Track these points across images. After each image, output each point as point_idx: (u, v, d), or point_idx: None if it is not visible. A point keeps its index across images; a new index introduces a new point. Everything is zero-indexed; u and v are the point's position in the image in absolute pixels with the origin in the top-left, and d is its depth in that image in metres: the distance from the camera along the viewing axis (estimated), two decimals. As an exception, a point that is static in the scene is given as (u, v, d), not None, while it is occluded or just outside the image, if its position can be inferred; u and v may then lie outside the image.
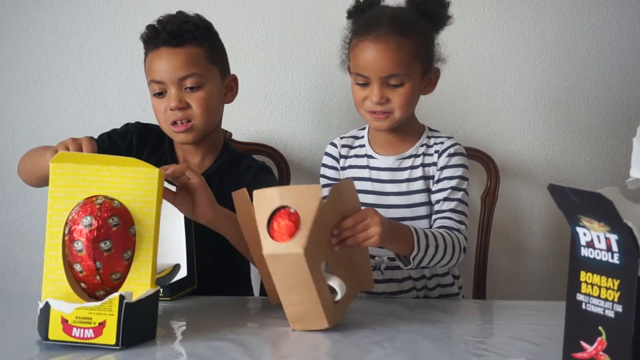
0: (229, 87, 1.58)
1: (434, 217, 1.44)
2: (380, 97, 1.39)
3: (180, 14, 1.53)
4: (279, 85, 1.95)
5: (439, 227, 1.40)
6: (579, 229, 0.88)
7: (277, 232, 1.10)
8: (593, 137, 1.99)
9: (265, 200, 1.13)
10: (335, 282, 1.16)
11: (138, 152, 1.57)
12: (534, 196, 1.99)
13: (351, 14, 1.48)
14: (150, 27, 1.51)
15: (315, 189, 1.13)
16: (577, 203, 0.86)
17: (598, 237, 0.86)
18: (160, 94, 1.49)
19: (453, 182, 1.44)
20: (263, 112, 1.96)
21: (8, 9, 1.93)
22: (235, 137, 1.86)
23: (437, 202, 1.44)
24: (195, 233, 1.38)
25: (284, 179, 1.83)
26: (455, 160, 1.45)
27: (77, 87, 1.95)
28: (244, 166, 1.57)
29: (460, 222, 1.41)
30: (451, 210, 1.41)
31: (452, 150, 1.46)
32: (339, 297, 1.16)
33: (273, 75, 1.95)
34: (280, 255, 1.09)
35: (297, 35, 1.94)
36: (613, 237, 0.84)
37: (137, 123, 1.63)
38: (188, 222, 1.34)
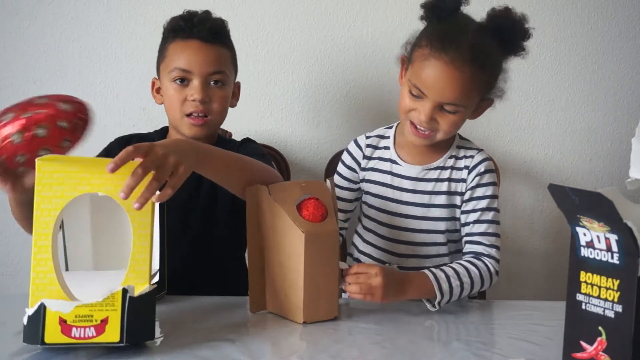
0: (234, 93, 1.60)
1: (464, 239, 1.40)
2: (429, 119, 1.32)
3: (209, 13, 1.54)
4: (279, 85, 1.95)
5: (468, 253, 1.38)
6: (579, 229, 0.88)
7: (311, 216, 1.19)
8: (593, 137, 1.99)
9: (286, 192, 1.22)
10: (343, 265, 1.25)
11: None
12: (534, 196, 1.99)
13: (429, 8, 1.36)
14: (184, 19, 1.51)
15: (324, 184, 1.25)
16: (577, 203, 0.86)
17: (598, 237, 0.86)
18: (182, 81, 1.48)
19: (484, 203, 1.39)
20: (263, 112, 1.96)
21: (8, 9, 1.93)
22: (235, 137, 1.86)
23: (467, 224, 1.39)
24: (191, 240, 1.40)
25: (284, 179, 1.83)
26: (486, 178, 1.40)
27: (77, 87, 1.95)
28: (232, 145, 1.59)
29: (491, 245, 1.36)
30: (481, 234, 1.37)
31: (482, 168, 1.40)
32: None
33: (273, 75, 1.95)
34: (319, 233, 1.17)
35: (297, 35, 1.94)
36: (613, 237, 0.84)
37: (116, 140, 1.62)
38: (162, 227, 1.28)
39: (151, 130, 1.70)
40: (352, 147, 1.53)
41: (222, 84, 1.50)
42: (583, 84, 1.97)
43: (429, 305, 1.28)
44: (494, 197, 1.40)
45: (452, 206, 1.42)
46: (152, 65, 1.99)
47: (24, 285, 1.93)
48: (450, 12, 1.35)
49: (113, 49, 1.94)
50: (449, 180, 1.42)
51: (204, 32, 1.49)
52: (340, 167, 1.54)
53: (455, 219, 1.43)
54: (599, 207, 0.83)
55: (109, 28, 1.93)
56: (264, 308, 1.27)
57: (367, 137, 1.52)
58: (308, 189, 1.22)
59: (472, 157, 1.42)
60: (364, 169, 1.50)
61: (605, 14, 1.96)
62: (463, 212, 1.41)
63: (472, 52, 1.28)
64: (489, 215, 1.39)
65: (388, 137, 1.50)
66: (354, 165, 1.52)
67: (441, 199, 1.42)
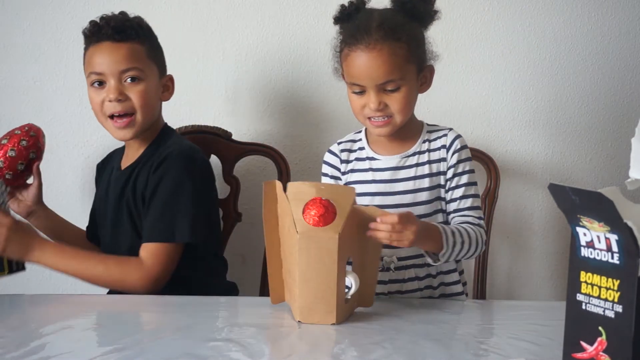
0: (165, 86, 1.62)
1: (452, 215, 1.45)
2: (378, 104, 1.38)
3: (123, 13, 1.59)
4: (279, 85, 1.95)
5: (462, 223, 1.42)
6: (579, 229, 0.88)
7: (313, 218, 1.16)
8: (593, 137, 1.99)
9: (301, 192, 1.20)
10: (351, 276, 1.21)
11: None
12: (534, 196, 1.99)
13: (338, 20, 1.47)
14: (93, 23, 1.56)
15: (351, 190, 1.24)
16: (577, 203, 0.86)
17: (598, 237, 0.86)
18: (100, 84, 1.53)
19: (465, 178, 1.45)
20: (263, 112, 1.96)
21: (8, 9, 1.93)
22: (235, 137, 1.86)
23: (454, 200, 1.44)
24: None
25: (283, 179, 1.83)
26: (464, 154, 1.46)
27: (77, 87, 1.95)
28: (162, 156, 1.53)
29: (479, 217, 1.44)
30: (469, 208, 1.44)
31: (458, 144, 1.46)
32: (352, 291, 1.21)
33: (273, 75, 1.95)
34: (315, 237, 1.15)
35: (297, 35, 1.94)
36: (613, 237, 0.84)
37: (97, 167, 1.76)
38: None
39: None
40: (328, 157, 1.56)
41: (138, 79, 1.52)
42: (583, 84, 1.97)
43: (429, 261, 1.34)
44: (472, 171, 1.47)
45: (437, 187, 1.46)
46: (152, 65, 1.98)
47: (24, 285, 1.93)
48: (356, 10, 1.44)
49: (113, 49, 1.94)
50: (429, 162, 1.46)
51: (109, 31, 1.52)
52: (325, 180, 1.55)
53: (441, 198, 1.47)
54: (599, 207, 0.83)
55: (109, 28, 1.93)
56: (284, 299, 1.29)
57: (340, 143, 1.56)
58: (325, 192, 1.20)
59: (445, 135, 1.48)
60: (344, 173, 1.53)
61: (605, 14, 1.96)
62: (447, 190, 1.46)
63: (382, 30, 1.37)
64: (472, 190, 1.45)
65: (360, 139, 1.54)
66: (337, 174, 1.54)
67: (425, 182, 1.46)
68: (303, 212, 1.18)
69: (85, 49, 1.58)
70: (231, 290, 1.65)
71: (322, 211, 1.17)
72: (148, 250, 1.45)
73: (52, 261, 1.45)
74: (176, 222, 1.46)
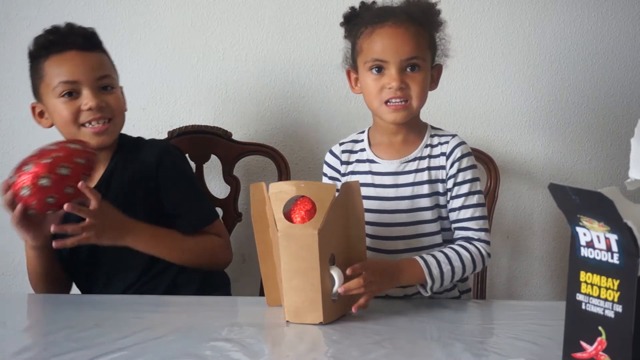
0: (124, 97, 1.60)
1: (453, 225, 1.43)
2: (400, 82, 1.36)
3: (74, 24, 1.55)
4: (279, 85, 1.95)
5: (459, 239, 1.40)
6: (579, 229, 0.88)
7: (294, 216, 1.16)
8: (593, 137, 1.99)
9: (281, 191, 1.19)
10: (335, 271, 1.19)
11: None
12: (534, 196, 1.99)
13: (348, 19, 1.47)
14: (52, 33, 1.51)
15: (331, 186, 1.22)
16: (577, 203, 0.86)
17: (598, 237, 0.86)
18: (70, 94, 1.47)
19: (466, 187, 1.41)
20: (263, 112, 1.96)
21: (8, 9, 1.93)
22: (235, 137, 1.86)
23: (454, 210, 1.42)
24: None
25: (284, 179, 1.83)
26: (464, 163, 1.42)
27: (77, 87, 1.95)
28: (144, 156, 1.54)
29: (480, 229, 1.39)
30: (469, 219, 1.40)
31: (458, 153, 1.42)
32: (336, 287, 1.19)
33: (273, 75, 1.95)
34: (295, 235, 1.15)
35: (297, 35, 1.94)
36: (613, 237, 0.84)
37: None
38: None
39: (152, 130, 1.70)
40: (329, 158, 1.54)
41: (111, 87, 1.51)
42: (583, 84, 1.97)
43: (422, 291, 1.31)
44: (475, 180, 1.43)
45: (436, 194, 1.44)
46: (152, 65, 2.00)
47: (24, 285, 1.94)
48: (366, 9, 1.45)
49: (113, 49, 1.93)
50: (429, 169, 1.44)
51: (79, 40, 1.49)
52: (324, 180, 1.54)
53: (440, 206, 1.44)
54: (599, 207, 0.83)
55: (108, 28, 1.93)
56: (280, 302, 1.27)
57: (341, 144, 1.54)
58: (306, 189, 1.20)
59: (447, 142, 1.45)
60: (344, 175, 1.51)
61: (605, 14, 1.96)
62: (448, 199, 1.43)
63: (409, 13, 1.39)
64: (474, 199, 1.41)
65: (362, 140, 1.52)
66: (336, 175, 1.52)
67: (424, 189, 1.43)
68: (292, 212, 1.18)
69: (41, 61, 1.49)
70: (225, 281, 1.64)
71: (308, 207, 1.17)
72: (214, 230, 1.56)
73: (144, 245, 1.45)
74: (207, 205, 1.62)
